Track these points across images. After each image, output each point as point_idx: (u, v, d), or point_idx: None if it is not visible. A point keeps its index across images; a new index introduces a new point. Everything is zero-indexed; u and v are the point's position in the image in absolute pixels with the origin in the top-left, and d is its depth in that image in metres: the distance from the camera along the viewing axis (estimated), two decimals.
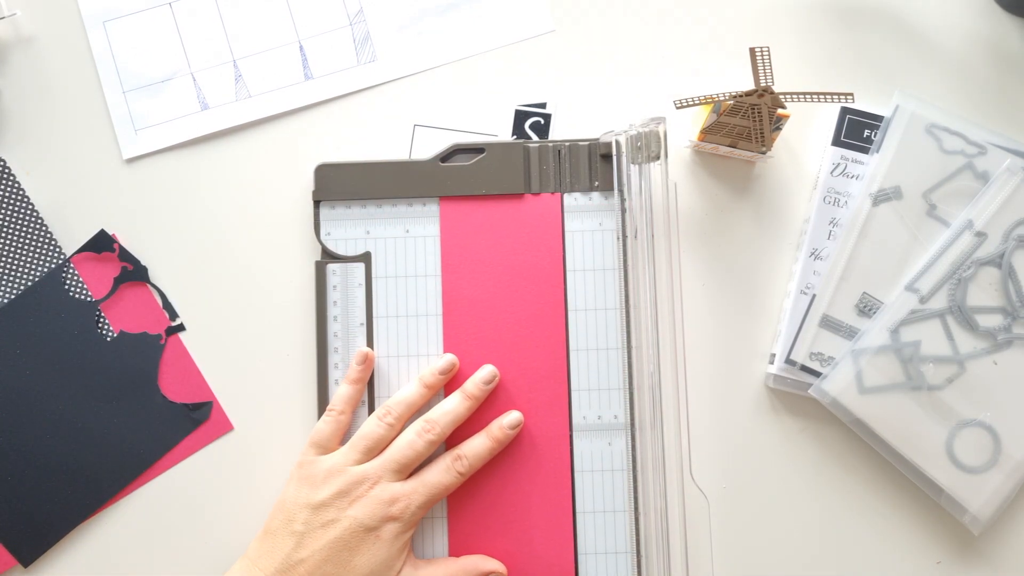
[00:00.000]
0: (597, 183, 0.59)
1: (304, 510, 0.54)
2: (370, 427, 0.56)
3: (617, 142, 0.58)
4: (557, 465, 0.57)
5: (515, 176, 0.59)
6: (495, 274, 0.59)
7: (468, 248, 0.59)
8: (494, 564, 0.56)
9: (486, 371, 0.57)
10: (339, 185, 0.59)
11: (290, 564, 0.53)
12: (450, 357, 0.57)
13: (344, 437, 0.57)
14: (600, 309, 0.58)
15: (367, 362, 0.57)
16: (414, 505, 0.54)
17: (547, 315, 0.58)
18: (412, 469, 0.55)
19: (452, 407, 0.56)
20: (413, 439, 0.55)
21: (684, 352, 0.58)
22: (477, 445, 0.56)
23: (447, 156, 0.60)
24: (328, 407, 0.57)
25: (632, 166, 0.56)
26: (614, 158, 0.58)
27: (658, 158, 0.55)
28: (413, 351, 0.59)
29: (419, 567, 0.55)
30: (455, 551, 0.57)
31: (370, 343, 0.59)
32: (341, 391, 0.57)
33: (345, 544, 0.53)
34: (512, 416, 0.57)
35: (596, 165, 0.59)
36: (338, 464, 0.55)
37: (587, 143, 0.59)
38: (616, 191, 0.58)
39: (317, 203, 0.59)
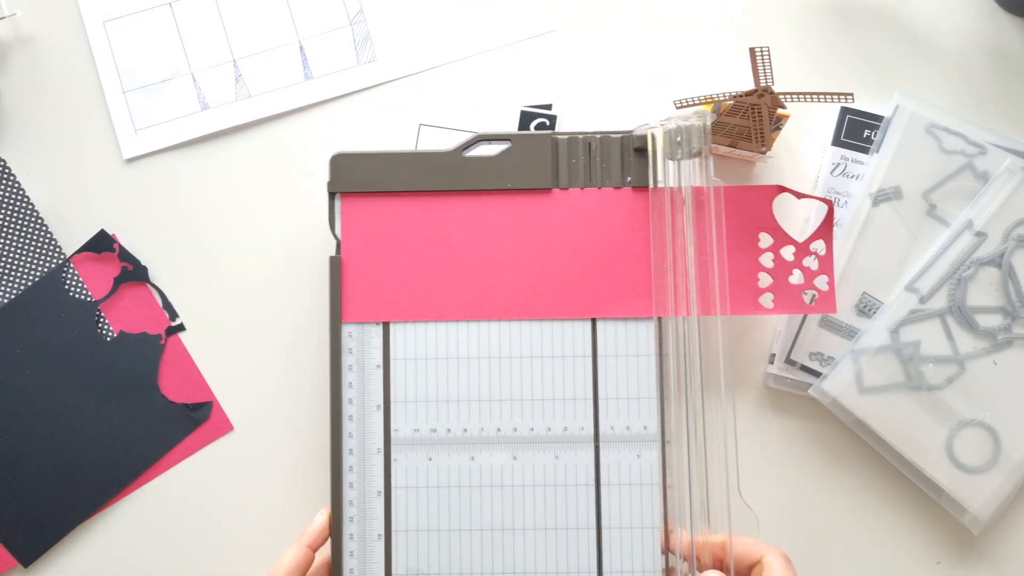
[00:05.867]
0: (630, 178, 0.55)
1: None
2: None
3: (653, 135, 0.54)
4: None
5: (543, 169, 0.56)
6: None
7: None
8: None
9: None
10: (356, 176, 0.56)
11: None
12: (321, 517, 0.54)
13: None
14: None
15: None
16: None
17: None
18: None
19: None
20: None
21: (721, 357, 0.55)
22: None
23: (469, 147, 0.56)
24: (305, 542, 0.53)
25: (669, 162, 0.53)
26: (649, 153, 0.54)
27: (699, 154, 0.52)
28: (432, 354, 0.55)
29: None
30: None
31: (387, 336, 0.55)
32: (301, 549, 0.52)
33: None
34: None
35: (629, 159, 0.55)
36: None
37: (620, 135, 0.56)
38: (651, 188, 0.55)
39: (332, 195, 0.56)
